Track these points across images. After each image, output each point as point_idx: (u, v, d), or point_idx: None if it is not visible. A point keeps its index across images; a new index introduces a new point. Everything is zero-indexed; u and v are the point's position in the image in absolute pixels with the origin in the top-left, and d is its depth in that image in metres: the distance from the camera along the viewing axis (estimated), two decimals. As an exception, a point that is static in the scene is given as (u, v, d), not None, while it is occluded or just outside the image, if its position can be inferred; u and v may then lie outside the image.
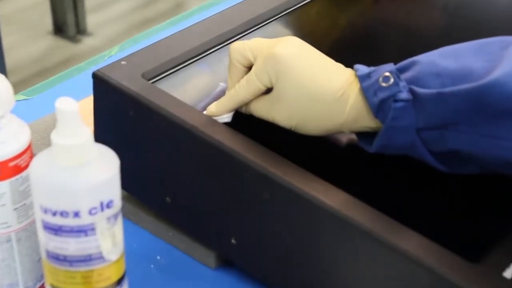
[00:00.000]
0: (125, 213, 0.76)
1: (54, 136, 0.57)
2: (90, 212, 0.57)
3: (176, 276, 0.73)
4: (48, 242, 0.59)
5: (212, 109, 0.71)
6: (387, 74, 0.64)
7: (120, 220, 0.60)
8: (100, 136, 0.70)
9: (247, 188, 0.66)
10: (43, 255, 0.60)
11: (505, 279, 0.58)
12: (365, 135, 0.68)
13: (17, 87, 0.88)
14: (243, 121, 0.71)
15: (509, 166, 0.62)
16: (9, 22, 2.63)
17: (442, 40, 0.87)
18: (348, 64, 0.69)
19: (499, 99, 0.60)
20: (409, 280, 0.60)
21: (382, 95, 0.64)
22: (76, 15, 2.63)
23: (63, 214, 0.57)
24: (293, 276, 0.66)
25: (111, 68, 0.73)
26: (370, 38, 0.87)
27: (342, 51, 0.82)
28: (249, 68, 0.70)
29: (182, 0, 2.88)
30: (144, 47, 0.78)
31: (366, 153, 0.68)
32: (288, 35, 0.85)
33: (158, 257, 0.75)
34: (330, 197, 0.63)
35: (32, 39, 2.66)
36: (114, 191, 0.58)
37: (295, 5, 0.86)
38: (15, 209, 0.63)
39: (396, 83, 0.64)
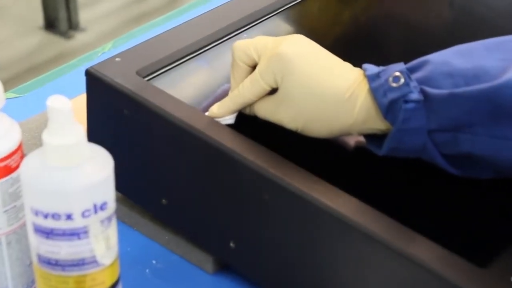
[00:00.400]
0: (120, 216, 0.76)
1: (46, 136, 0.57)
2: (83, 215, 0.57)
3: (172, 281, 0.73)
4: (39, 245, 0.59)
5: (214, 110, 0.71)
6: (397, 74, 0.64)
7: (114, 222, 0.60)
8: (94, 135, 0.70)
9: (246, 189, 0.66)
10: (34, 259, 0.60)
11: (513, 284, 0.59)
12: (374, 138, 0.68)
13: (7, 84, 0.88)
14: (247, 123, 0.71)
15: None
16: (-2, 16, 2.64)
17: (448, 36, 0.87)
18: (351, 61, 0.69)
19: None
20: (415, 286, 0.60)
21: (392, 95, 0.64)
22: (68, 9, 2.63)
23: (55, 216, 0.57)
24: (294, 281, 0.66)
25: (104, 65, 0.74)
26: (374, 34, 0.87)
27: (345, 47, 0.82)
28: (253, 67, 0.70)
29: (178, -6, 2.88)
30: (139, 43, 0.78)
31: (374, 156, 0.67)
32: (289, 31, 0.86)
33: (154, 262, 0.75)
34: (332, 199, 0.63)
35: (22, 34, 2.66)
36: (108, 193, 0.58)
37: (296, 0, 0.86)
38: (5, 211, 0.63)
39: (406, 83, 0.63)
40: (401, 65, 0.65)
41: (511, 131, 0.61)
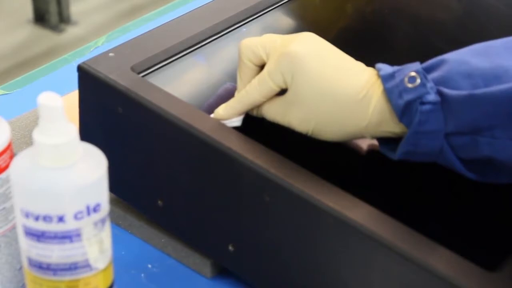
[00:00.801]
0: (114, 218, 0.77)
1: (37, 134, 0.57)
2: (75, 217, 0.57)
3: (168, 286, 0.73)
4: (30, 249, 0.59)
5: (220, 112, 0.70)
6: (413, 74, 0.64)
7: (108, 225, 0.60)
8: (86, 134, 0.71)
9: (246, 190, 0.67)
10: (25, 263, 0.60)
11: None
12: (387, 141, 0.67)
13: (-4, 80, 0.88)
14: (254, 125, 0.70)
15: None
16: (-15, 9, 2.64)
17: (456, 29, 0.87)
18: (355, 56, 0.69)
19: None
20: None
21: (407, 97, 0.63)
22: (58, 2, 2.63)
23: (46, 218, 0.57)
24: (295, 286, 0.67)
25: (97, 61, 0.74)
26: (379, 27, 0.87)
27: (348, 41, 0.82)
28: (261, 67, 0.70)
29: (174, -14, 2.88)
30: (134, 38, 0.78)
31: (385, 159, 0.67)
32: (290, 24, 0.86)
33: (149, 266, 0.75)
34: (336, 201, 0.63)
35: (11, 28, 2.66)
36: (101, 194, 0.59)
37: (298, -8, 0.87)
38: (-6, 213, 0.64)
39: (423, 84, 0.63)
40: (417, 65, 0.65)
41: None
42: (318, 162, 0.68)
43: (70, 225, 0.57)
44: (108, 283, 0.62)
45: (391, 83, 0.64)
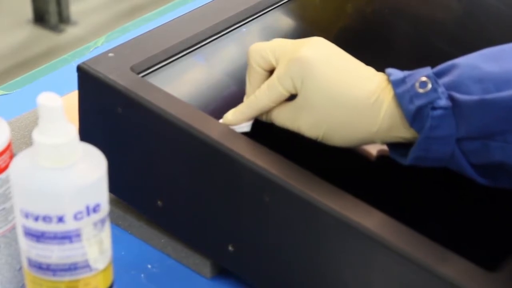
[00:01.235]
0: (113, 218, 0.77)
1: (36, 135, 0.57)
2: (75, 217, 0.57)
3: (168, 286, 0.73)
4: (29, 249, 0.59)
5: (229, 117, 0.70)
6: (424, 79, 0.63)
7: (107, 225, 0.60)
8: (86, 134, 0.71)
9: (246, 191, 0.67)
10: (25, 264, 0.60)
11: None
12: (397, 146, 0.67)
13: (-5, 81, 0.88)
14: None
15: None
16: (-15, 9, 2.64)
17: (457, 29, 0.87)
18: (356, 56, 0.69)
19: None
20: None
21: (419, 102, 0.63)
22: (58, 2, 2.63)
23: (46, 219, 0.57)
24: (295, 287, 0.67)
25: (97, 61, 0.74)
26: (379, 27, 0.88)
27: (349, 42, 0.82)
28: (270, 72, 0.70)
29: (174, -14, 2.88)
30: (133, 38, 0.78)
31: (391, 163, 0.67)
32: (290, 24, 0.86)
33: (149, 266, 0.75)
34: (336, 201, 0.63)
35: (11, 28, 2.66)
36: (101, 194, 0.59)
37: (298, -8, 0.87)
38: (-7, 213, 0.64)
39: (434, 89, 0.63)
40: (427, 70, 0.65)
41: None
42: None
43: (69, 225, 0.57)
44: (108, 283, 0.62)
45: (402, 88, 0.64)
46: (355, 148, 0.71)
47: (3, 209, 0.64)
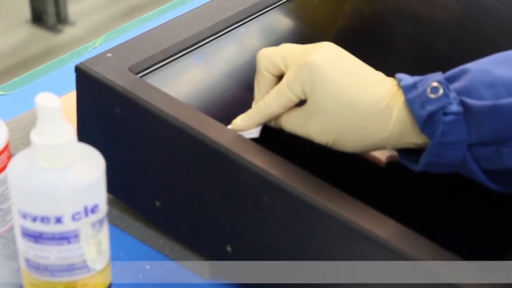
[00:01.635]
0: (111, 219, 0.77)
1: (34, 135, 0.57)
2: (73, 218, 0.57)
3: (166, 287, 0.73)
4: (27, 250, 0.59)
5: (237, 122, 0.70)
6: (436, 84, 0.63)
7: (105, 226, 0.60)
8: (84, 135, 0.71)
9: (245, 191, 0.67)
10: (23, 265, 0.61)
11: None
12: (407, 152, 0.67)
13: (-7, 81, 0.88)
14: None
15: None
16: (-17, 10, 2.64)
17: (456, 29, 0.88)
18: (355, 56, 0.69)
19: None
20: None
21: (430, 107, 0.63)
22: (56, 2, 2.63)
23: (44, 219, 0.57)
24: (294, 287, 0.67)
25: (95, 61, 0.74)
26: (378, 27, 0.88)
27: (348, 41, 0.82)
28: (279, 77, 0.70)
29: (172, -14, 2.88)
30: (132, 38, 0.78)
31: (403, 169, 0.67)
32: (289, 24, 0.86)
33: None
34: (336, 202, 0.63)
35: (9, 29, 2.66)
36: (99, 195, 0.59)
37: (296, -8, 0.87)
38: (-9, 214, 0.64)
39: (445, 94, 0.63)
40: (439, 75, 0.64)
41: None
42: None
43: (67, 226, 0.57)
44: (106, 284, 0.62)
45: (413, 94, 0.64)
46: (364, 154, 0.70)
47: (1, 209, 0.64)
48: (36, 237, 0.58)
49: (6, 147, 0.64)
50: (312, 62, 0.66)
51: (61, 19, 2.67)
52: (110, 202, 0.70)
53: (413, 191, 0.70)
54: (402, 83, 0.65)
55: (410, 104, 0.64)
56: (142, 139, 0.72)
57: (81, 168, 0.58)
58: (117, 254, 0.71)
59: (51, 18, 2.64)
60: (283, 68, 0.69)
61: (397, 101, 0.65)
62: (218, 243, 0.70)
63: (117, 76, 0.72)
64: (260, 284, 0.69)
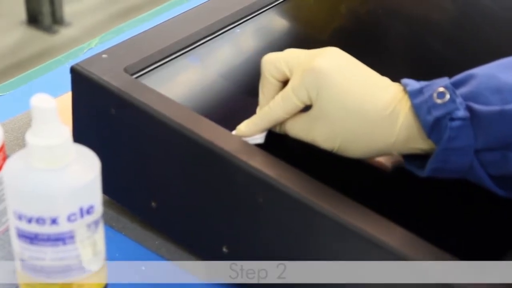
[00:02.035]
0: (107, 220, 0.77)
1: (30, 136, 0.57)
2: (68, 219, 0.58)
3: (162, 287, 0.73)
4: (23, 251, 0.59)
5: (242, 128, 0.70)
6: (442, 89, 0.63)
7: (101, 227, 0.60)
8: (80, 136, 0.71)
9: (240, 192, 0.67)
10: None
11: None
12: (413, 158, 0.67)
13: (-12, 82, 0.88)
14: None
15: None
16: (-22, 11, 2.64)
17: (452, 30, 0.88)
18: (354, 57, 0.69)
19: None
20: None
21: (437, 113, 0.63)
22: (52, 3, 2.63)
23: (39, 221, 0.57)
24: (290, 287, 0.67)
25: (91, 62, 0.74)
26: (374, 28, 0.88)
27: (343, 42, 0.82)
28: (284, 83, 0.70)
29: (168, -14, 2.88)
30: (127, 39, 0.78)
31: (409, 175, 0.67)
32: (284, 25, 0.86)
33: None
34: (331, 202, 0.63)
35: (4, 30, 2.66)
36: (94, 196, 0.59)
37: (292, -8, 0.87)
38: (-13, 215, 0.64)
39: (452, 100, 0.63)
40: (445, 80, 0.64)
41: None
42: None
43: (63, 227, 0.58)
44: (102, 285, 0.62)
45: (419, 99, 0.64)
46: (370, 160, 0.70)
47: (-3, 211, 0.64)
48: (32, 238, 0.58)
49: (2, 148, 0.64)
50: (317, 67, 0.66)
51: (57, 20, 2.67)
52: (106, 203, 0.70)
53: (418, 196, 0.69)
54: (408, 88, 0.65)
55: (417, 109, 0.64)
56: (137, 140, 0.72)
57: (76, 169, 0.58)
58: (112, 255, 0.71)
59: (47, 19, 2.63)
60: (288, 73, 0.69)
61: (403, 107, 0.65)
62: (214, 243, 0.70)
63: (112, 77, 0.72)
64: (256, 284, 0.69)
